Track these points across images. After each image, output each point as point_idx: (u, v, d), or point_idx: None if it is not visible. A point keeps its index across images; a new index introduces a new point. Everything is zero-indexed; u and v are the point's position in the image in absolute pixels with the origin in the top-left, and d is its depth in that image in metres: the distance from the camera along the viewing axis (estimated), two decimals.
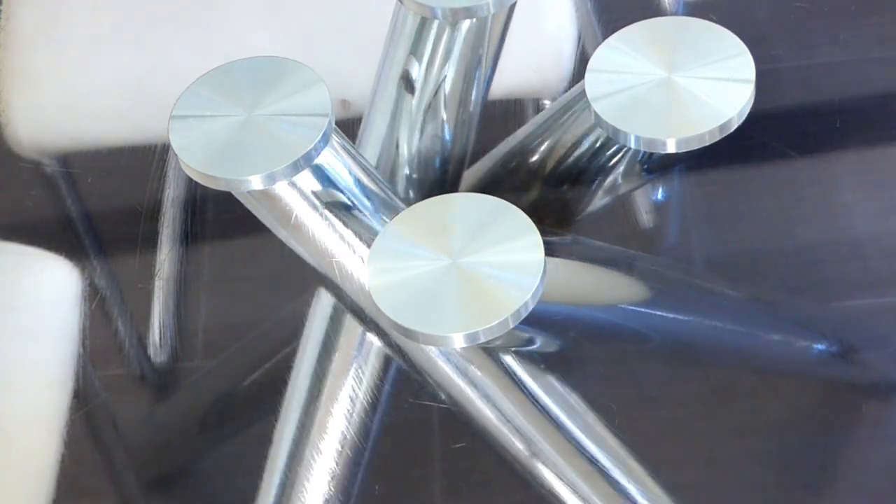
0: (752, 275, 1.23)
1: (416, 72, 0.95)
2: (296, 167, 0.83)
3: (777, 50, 1.34)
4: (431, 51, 0.94)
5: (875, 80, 1.34)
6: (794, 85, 1.33)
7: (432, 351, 0.93)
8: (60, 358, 1.07)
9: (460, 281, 0.81)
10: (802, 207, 1.26)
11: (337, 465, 0.98)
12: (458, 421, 0.95)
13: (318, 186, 0.86)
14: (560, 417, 0.94)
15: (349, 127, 0.96)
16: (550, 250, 0.82)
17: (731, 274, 1.24)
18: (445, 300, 0.81)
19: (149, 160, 1.24)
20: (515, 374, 0.93)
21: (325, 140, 0.84)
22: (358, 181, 0.88)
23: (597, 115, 0.87)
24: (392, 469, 1.14)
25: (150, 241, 1.25)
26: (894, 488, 1.13)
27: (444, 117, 0.97)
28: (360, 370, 0.97)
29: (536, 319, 0.83)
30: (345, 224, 0.88)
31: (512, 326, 0.80)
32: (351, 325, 0.97)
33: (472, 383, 0.93)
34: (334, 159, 0.87)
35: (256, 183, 0.83)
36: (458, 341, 0.80)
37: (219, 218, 1.27)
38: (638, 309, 1.02)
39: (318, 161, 0.84)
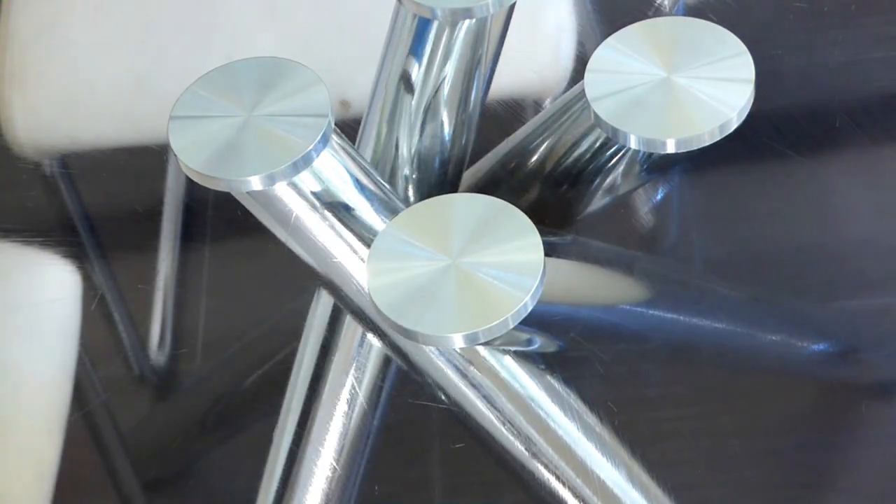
0: (752, 275, 1.23)
1: (416, 72, 0.94)
2: (295, 168, 0.83)
3: (777, 50, 1.34)
4: (431, 51, 0.93)
5: (875, 81, 1.34)
6: (793, 85, 1.33)
7: (432, 351, 0.93)
8: (60, 358, 1.07)
9: (460, 281, 0.81)
10: (802, 208, 1.26)
11: (337, 465, 0.98)
12: (457, 421, 0.95)
13: (317, 187, 0.86)
14: (560, 418, 0.94)
15: (349, 127, 0.96)
16: (550, 251, 0.82)
17: (731, 274, 1.24)
18: (445, 301, 0.81)
19: (148, 161, 1.24)
20: (515, 375, 0.93)
21: (325, 141, 0.84)
22: (357, 182, 0.88)
23: (596, 116, 0.87)
24: (391, 469, 1.13)
25: (149, 242, 1.25)
26: (894, 488, 1.13)
27: (444, 118, 0.97)
28: (359, 371, 0.97)
29: (536, 320, 0.83)
30: (344, 224, 0.88)
31: (512, 327, 0.80)
32: (350, 325, 0.97)
33: (472, 384, 0.93)
34: (334, 160, 0.87)
35: (256, 183, 0.83)
36: (458, 342, 0.80)
37: (218, 218, 1.27)
38: (638, 309, 1.02)
39: (317, 162, 0.84)
